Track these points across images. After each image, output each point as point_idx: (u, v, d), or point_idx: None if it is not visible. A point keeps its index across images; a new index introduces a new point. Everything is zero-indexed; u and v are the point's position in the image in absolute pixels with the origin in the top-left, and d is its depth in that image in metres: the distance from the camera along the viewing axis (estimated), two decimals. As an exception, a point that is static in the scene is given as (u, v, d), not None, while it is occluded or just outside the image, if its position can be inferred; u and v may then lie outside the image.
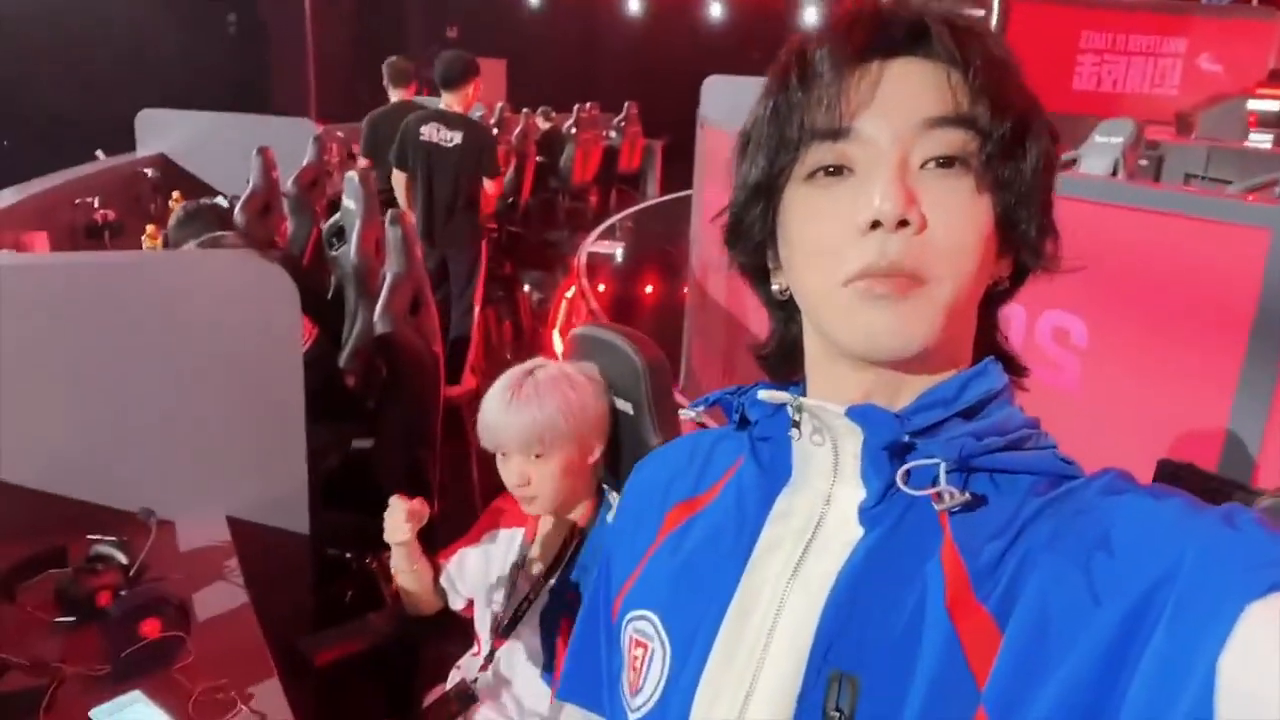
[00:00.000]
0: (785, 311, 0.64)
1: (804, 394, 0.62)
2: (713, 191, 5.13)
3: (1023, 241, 0.57)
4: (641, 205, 8.74)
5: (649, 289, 5.42)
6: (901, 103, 0.53)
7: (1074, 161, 4.51)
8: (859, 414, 0.55)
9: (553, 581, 1.37)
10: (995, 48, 0.54)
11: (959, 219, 0.53)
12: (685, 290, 5.31)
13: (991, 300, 0.59)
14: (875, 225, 0.52)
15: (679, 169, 8.21)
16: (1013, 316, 3.11)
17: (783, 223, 0.59)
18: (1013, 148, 0.54)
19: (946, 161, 0.53)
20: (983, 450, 0.53)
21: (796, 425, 0.60)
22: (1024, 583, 0.48)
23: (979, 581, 0.50)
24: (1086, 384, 2.64)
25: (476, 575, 1.50)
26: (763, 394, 0.62)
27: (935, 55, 0.54)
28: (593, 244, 6.29)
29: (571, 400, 1.34)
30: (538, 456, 1.33)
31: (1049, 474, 0.54)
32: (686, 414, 0.68)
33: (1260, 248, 2.22)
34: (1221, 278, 2.33)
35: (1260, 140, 6.70)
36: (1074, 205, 2.76)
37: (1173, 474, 2.07)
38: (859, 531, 0.56)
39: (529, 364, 1.40)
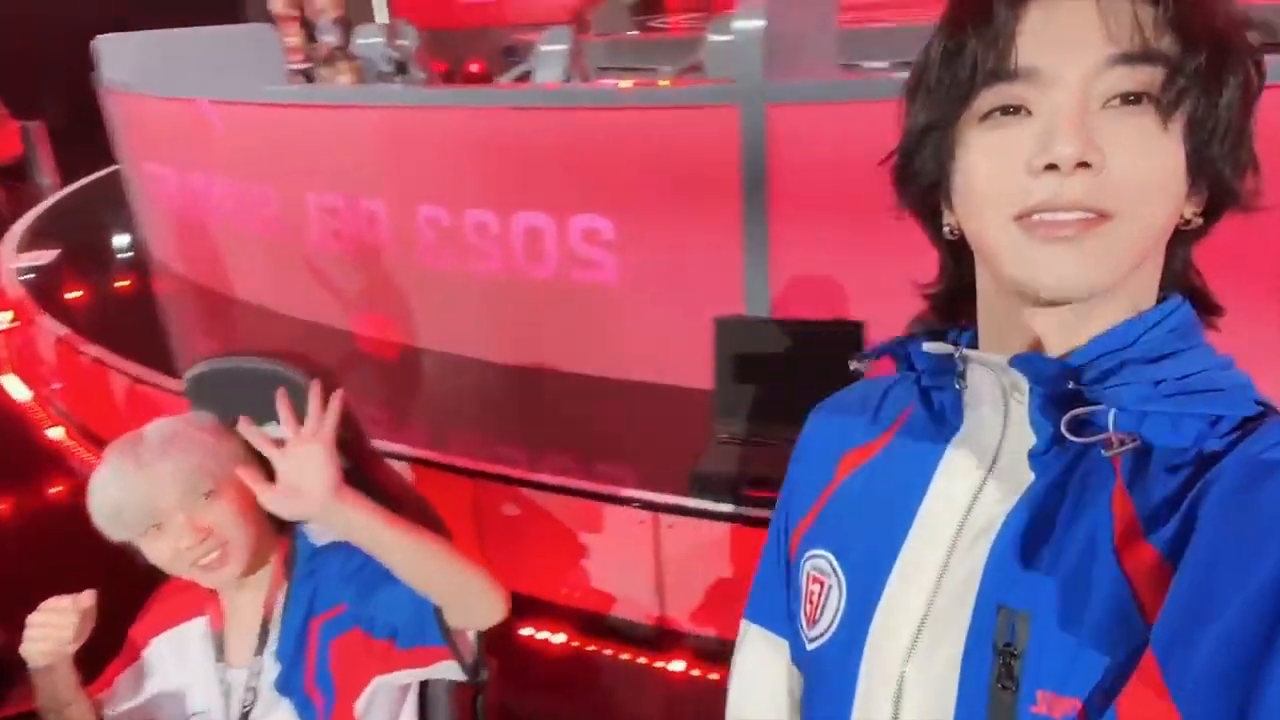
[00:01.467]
0: (955, 253, 0.63)
1: (974, 337, 0.62)
2: (154, 165, 4.41)
3: (1216, 179, 0.54)
4: (55, 198, 7.16)
5: (126, 285, 4.54)
6: (1081, 40, 0.51)
7: (528, 75, 4.73)
8: (1024, 363, 0.55)
9: (272, 649, 1.12)
10: None
11: (1142, 157, 0.51)
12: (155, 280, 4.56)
13: (1183, 239, 0.57)
14: (1051, 168, 0.50)
15: (82, 150, 6.86)
16: (544, 228, 3.20)
17: (956, 162, 0.56)
18: (1206, 81, 0.51)
19: (1131, 98, 0.51)
20: (1157, 395, 0.52)
21: (962, 375, 0.60)
22: (1196, 524, 0.48)
23: (1149, 523, 0.51)
24: (623, 275, 2.88)
25: (159, 695, 1.17)
26: (927, 345, 0.61)
27: None
28: (12, 261, 4.99)
29: (207, 436, 1.12)
30: (209, 495, 1.09)
31: (1233, 415, 0.52)
32: (856, 365, 0.68)
33: (732, 124, 2.58)
34: (708, 155, 2.66)
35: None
36: (553, 115, 2.93)
37: (730, 327, 2.37)
38: (1030, 476, 0.57)
39: (126, 435, 1.09)
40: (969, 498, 0.59)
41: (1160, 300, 0.57)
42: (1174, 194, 0.53)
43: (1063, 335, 0.56)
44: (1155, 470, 0.52)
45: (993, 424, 0.59)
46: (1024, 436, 0.57)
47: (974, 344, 0.63)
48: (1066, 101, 0.51)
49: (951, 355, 0.60)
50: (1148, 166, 0.51)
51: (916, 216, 0.64)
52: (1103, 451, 0.53)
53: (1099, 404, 0.53)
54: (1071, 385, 0.54)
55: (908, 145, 0.60)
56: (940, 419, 0.63)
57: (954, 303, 0.66)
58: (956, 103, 0.55)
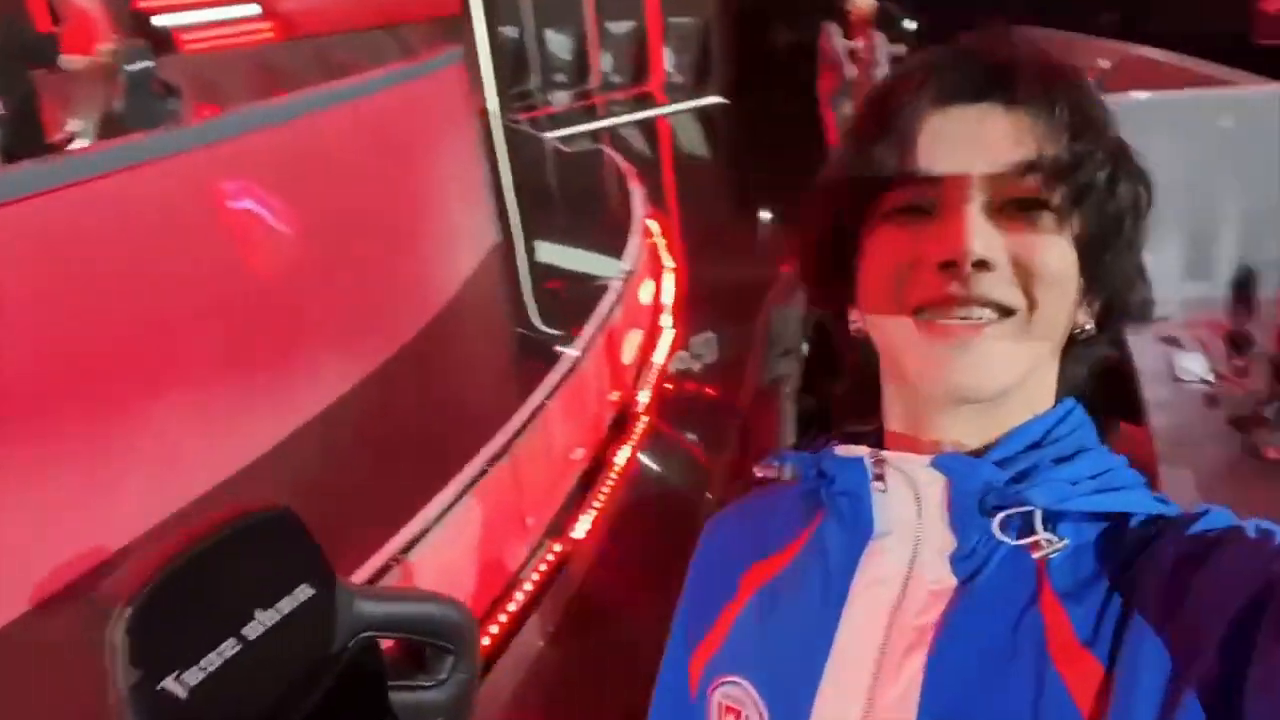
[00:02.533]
0: (862, 351, 0.62)
1: (881, 436, 0.61)
2: None
3: (1109, 288, 0.56)
4: None
5: None
6: (982, 146, 0.53)
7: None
8: (946, 464, 0.54)
9: None
10: (1083, 89, 0.55)
11: (1039, 255, 0.53)
12: None
13: (1077, 347, 0.58)
14: (950, 265, 0.52)
15: None
16: None
17: (861, 260, 0.58)
18: (1099, 192, 0.53)
19: (1028, 204, 0.53)
20: (1074, 494, 0.52)
21: (879, 478, 0.57)
22: (1128, 624, 0.49)
23: (1081, 626, 0.50)
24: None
25: None
26: (840, 450, 0.59)
27: (1019, 100, 0.53)
28: None
29: None
30: None
31: (1144, 513, 0.53)
32: (762, 472, 0.65)
33: None
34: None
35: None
36: None
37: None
38: (953, 580, 0.55)
39: None
40: (890, 608, 0.56)
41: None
42: (1070, 295, 0.54)
43: (969, 433, 0.56)
44: (1079, 569, 0.52)
45: (908, 526, 0.57)
46: (942, 538, 0.56)
47: (879, 444, 0.61)
48: (965, 203, 0.52)
49: (862, 459, 0.58)
50: (1045, 264, 0.52)
51: (827, 316, 0.65)
52: (1031, 554, 0.53)
53: (1022, 504, 0.52)
54: (993, 485, 0.53)
55: (815, 245, 0.61)
56: (853, 525, 0.60)
57: (862, 403, 0.65)
58: (860, 203, 0.57)
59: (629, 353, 4.38)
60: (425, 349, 4.20)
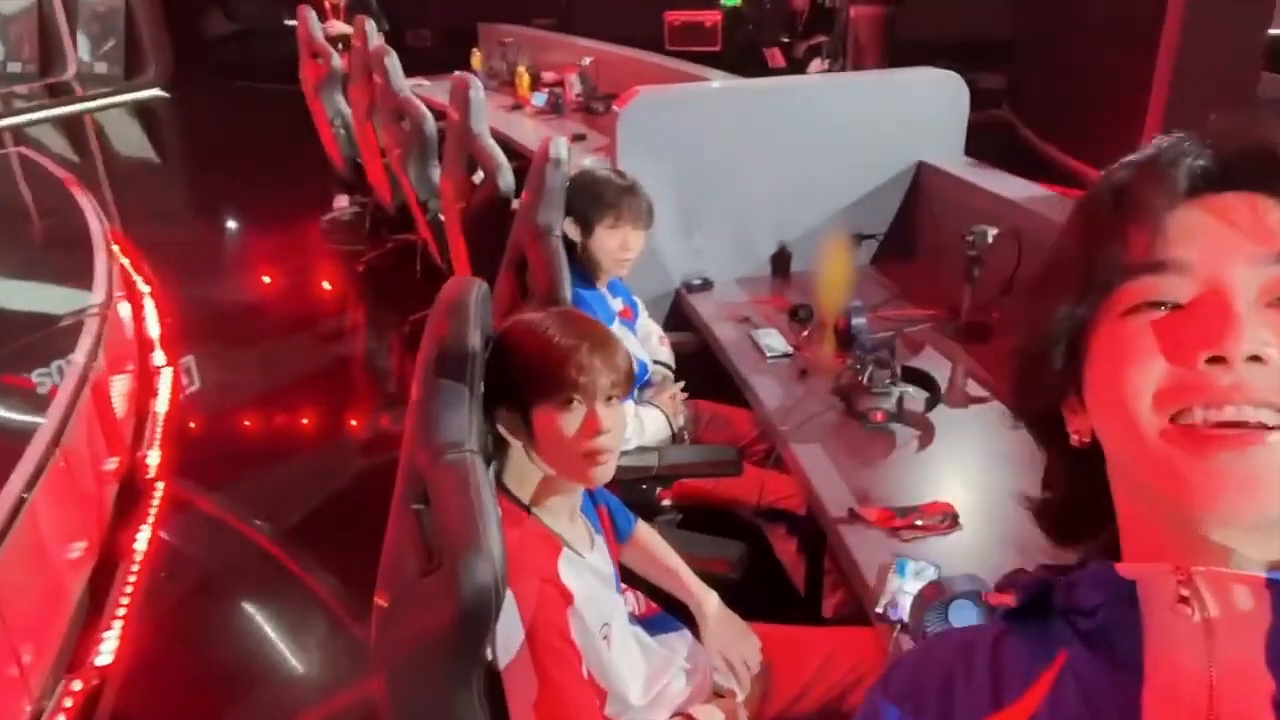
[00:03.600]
0: (1082, 463, 0.56)
1: (1114, 559, 0.53)
2: None
3: None
4: None
5: None
6: (1246, 234, 0.48)
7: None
8: None
9: None
10: None
11: None
12: None
13: None
14: (1218, 360, 0.46)
15: None
16: None
17: (1092, 363, 0.53)
18: None
19: None
20: None
21: (1183, 600, 0.48)
22: None
23: None
24: None
25: None
26: (1125, 568, 0.51)
27: (1273, 189, 0.49)
28: None
29: None
30: None
31: None
32: (999, 602, 0.57)
33: None
34: None
35: None
36: None
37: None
38: None
39: None
40: None
41: None
42: None
43: (1251, 555, 0.48)
44: None
45: (1196, 660, 0.48)
46: (1249, 683, 0.46)
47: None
48: (1231, 293, 0.47)
49: (1148, 576, 0.49)
50: None
51: (1032, 426, 0.59)
52: None
53: None
54: None
55: (1037, 344, 0.55)
56: (1113, 661, 0.50)
57: (1077, 522, 0.59)
58: (1095, 297, 0.51)
59: (121, 405, 3.48)
60: None
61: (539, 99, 5.12)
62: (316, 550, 2.85)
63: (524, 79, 5.42)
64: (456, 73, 3.44)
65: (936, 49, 5.63)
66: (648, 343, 2.34)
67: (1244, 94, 5.63)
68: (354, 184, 5.31)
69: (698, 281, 2.72)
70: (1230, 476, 0.45)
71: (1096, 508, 0.56)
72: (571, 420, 1.31)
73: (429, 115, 3.68)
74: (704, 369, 2.36)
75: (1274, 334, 0.46)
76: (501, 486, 1.33)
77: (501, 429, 1.32)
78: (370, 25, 4.61)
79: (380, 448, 3.46)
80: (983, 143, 2.78)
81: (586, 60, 5.09)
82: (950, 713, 0.56)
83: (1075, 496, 0.59)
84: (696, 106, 2.71)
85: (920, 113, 2.77)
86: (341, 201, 5.78)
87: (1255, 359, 0.45)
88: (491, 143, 3.01)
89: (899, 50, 7.62)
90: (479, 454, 1.22)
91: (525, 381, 1.31)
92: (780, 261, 2.76)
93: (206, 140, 8.98)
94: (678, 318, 2.73)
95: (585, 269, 2.15)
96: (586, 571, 1.35)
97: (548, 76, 5.36)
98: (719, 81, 3.39)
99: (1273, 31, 5.74)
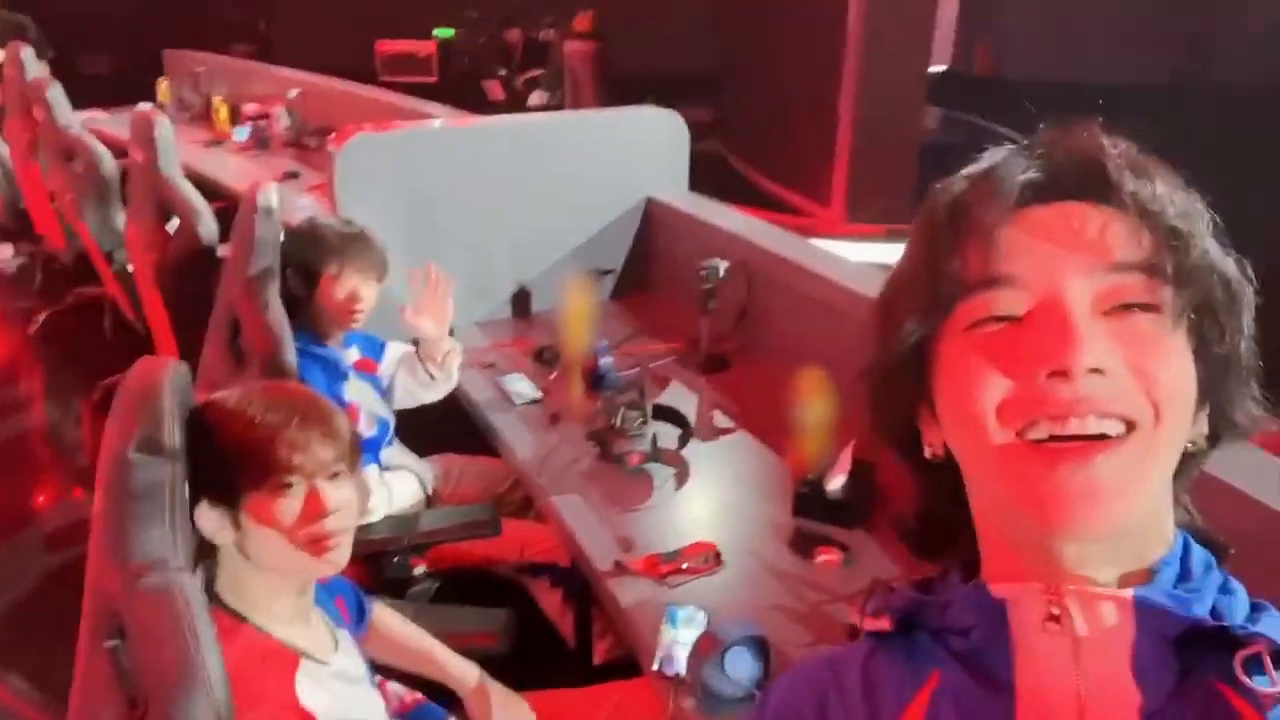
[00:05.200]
0: (939, 477, 0.55)
1: (969, 575, 0.54)
2: None
3: (1227, 404, 0.51)
4: None
5: None
6: (1080, 245, 0.48)
7: None
8: (1150, 600, 0.47)
9: None
10: (1185, 194, 0.50)
11: (1159, 357, 0.47)
12: None
13: (1183, 462, 0.50)
14: (1059, 374, 0.45)
15: None
16: None
17: (940, 375, 0.52)
18: (1210, 302, 0.48)
19: (1133, 307, 0.47)
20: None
21: (1054, 619, 0.48)
22: None
23: None
24: None
25: None
26: (997, 588, 0.51)
27: (1112, 200, 0.48)
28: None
29: None
30: None
31: None
32: (868, 626, 0.56)
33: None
34: None
35: None
36: None
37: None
38: None
39: None
40: None
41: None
42: (1191, 408, 0.49)
43: (1103, 570, 0.49)
44: None
45: (1063, 677, 0.49)
46: (1114, 693, 0.48)
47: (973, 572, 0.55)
48: (1069, 305, 0.47)
49: (1021, 595, 0.49)
50: (1167, 371, 0.47)
51: (889, 442, 0.59)
52: (1229, 699, 0.46)
53: (1250, 642, 0.46)
54: (1214, 624, 0.47)
55: (884, 367, 0.55)
56: (987, 687, 0.50)
57: (938, 538, 0.59)
58: (939, 316, 0.51)
59: None
60: None
61: (241, 133, 4.71)
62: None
63: (222, 112, 4.96)
64: (140, 106, 3.05)
65: (647, 82, 5.86)
66: (414, 372, 2.14)
67: (913, 123, 6.39)
68: (18, 232, 4.58)
69: (434, 328, 2.58)
70: (1077, 489, 0.45)
71: (956, 519, 0.56)
72: (291, 506, 1.14)
73: (106, 154, 3.23)
74: (450, 420, 2.23)
75: (1111, 344, 0.46)
76: (214, 598, 1.13)
77: (205, 530, 1.12)
78: (27, 52, 4.00)
79: (75, 534, 2.97)
80: (697, 174, 2.89)
81: (294, 92, 4.75)
82: None
83: (934, 509, 0.59)
84: (420, 146, 2.58)
85: (644, 150, 2.82)
86: (4, 252, 4.97)
87: (1096, 370, 0.45)
88: (186, 185, 2.69)
89: (612, 84, 7.89)
90: (187, 570, 1.02)
91: (230, 470, 1.12)
92: (520, 302, 2.69)
93: None
94: (416, 367, 2.57)
95: (311, 325, 1.95)
96: (332, 680, 1.19)
97: (250, 109, 4.94)
98: (441, 121, 3.27)
99: (932, 69, 6.55)
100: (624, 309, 2.78)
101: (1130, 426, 0.46)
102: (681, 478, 1.88)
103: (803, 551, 1.64)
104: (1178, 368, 0.48)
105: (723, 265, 2.27)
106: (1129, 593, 0.48)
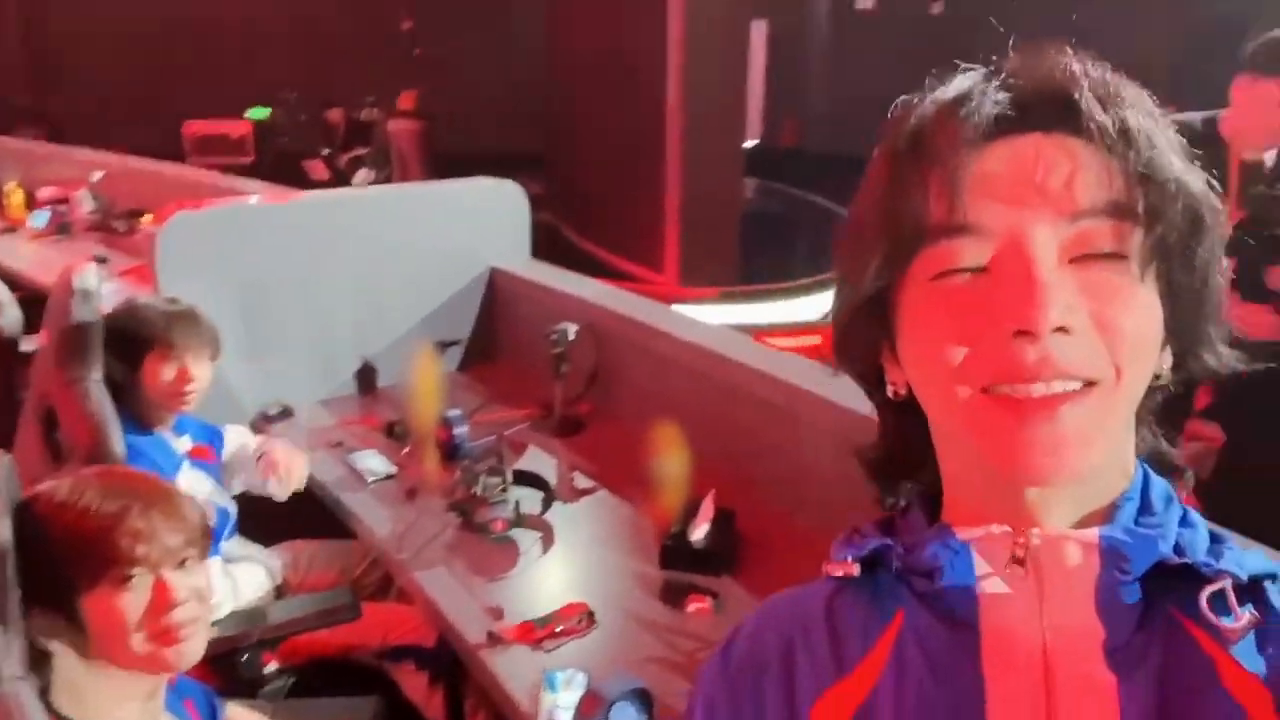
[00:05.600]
0: (903, 412, 0.55)
1: (937, 511, 0.55)
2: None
3: (1195, 344, 0.51)
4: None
5: None
6: (1048, 187, 0.46)
7: None
8: (1115, 540, 0.48)
9: None
10: (1156, 117, 0.48)
11: (1126, 317, 0.46)
12: None
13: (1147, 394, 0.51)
14: (1024, 334, 0.45)
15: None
16: None
17: (902, 326, 0.51)
18: (1185, 240, 0.47)
19: (1105, 255, 0.46)
20: (1259, 557, 0.49)
21: (1019, 561, 0.50)
22: None
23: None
24: None
25: None
26: (963, 530, 0.51)
27: (1082, 132, 0.46)
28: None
29: None
30: None
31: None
32: (840, 571, 0.55)
33: None
34: None
35: None
36: None
37: None
38: (1110, 677, 0.47)
39: None
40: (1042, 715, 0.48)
41: None
42: (1155, 356, 0.49)
43: (1065, 512, 0.50)
44: (1263, 642, 0.48)
45: (1028, 619, 0.49)
46: (1081, 634, 0.49)
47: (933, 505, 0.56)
48: (1033, 259, 0.45)
49: (986, 537, 0.51)
50: (1132, 326, 0.47)
51: (857, 379, 0.58)
52: (1220, 633, 0.47)
53: (1216, 579, 0.48)
54: (1179, 561, 0.48)
55: (845, 310, 0.54)
56: (952, 628, 0.51)
57: (903, 471, 0.58)
58: (900, 263, 0.49)
59: None
60: None
61: (39, 219, 4.37)
62: None
63: (15, 197, 4.59)
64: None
65: (474, 161, 5.91)
66: (244, 464, 2.01)
67: (734, 193, 6.75)
68: None
69: (275, 410, 2.46)
70: (1043, 441, 0.45)
71: (919, 455, 0.55)
72: (136, 600, 1.06)
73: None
74: (298, 504, 2.12)
75: (1077, 297, 0.45)
76: (50, 710, 1.02)
77: (39, 637, 1.02)
78: None
79: None
80: (533, 245, 2.93)
81: (98, 174, 4.47)
82: (792, 676, 0.55)
83: (901, 445, 0.58)
84: (248, 222, 2.49)
85: (485, 219, 2.84)
86: None
87: (1061, 329, 0.45)
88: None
89: (438, 161, 7.88)
90: (27, 679, 0.93)
91: (64, 567, 1.03)
92: (366, 378, 2.62)
93: None
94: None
95: (138, 412, 1.81)
96: (190, 791, 1.09)
97: (47, 193, 4.60)
98: (260, 196, 3.16)
99: (747, 143, 6.96)
100: (473, 379, 2.75)
101: (1095, 383, 0.46)
102: (547, 540, 1.87)
103: (673, 602, 1.65)
104: (1144, 319, 0.47)
105: (572, 328, 2.31)
106: (1094, 533, 0.49)
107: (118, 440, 1.64)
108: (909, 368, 0.52)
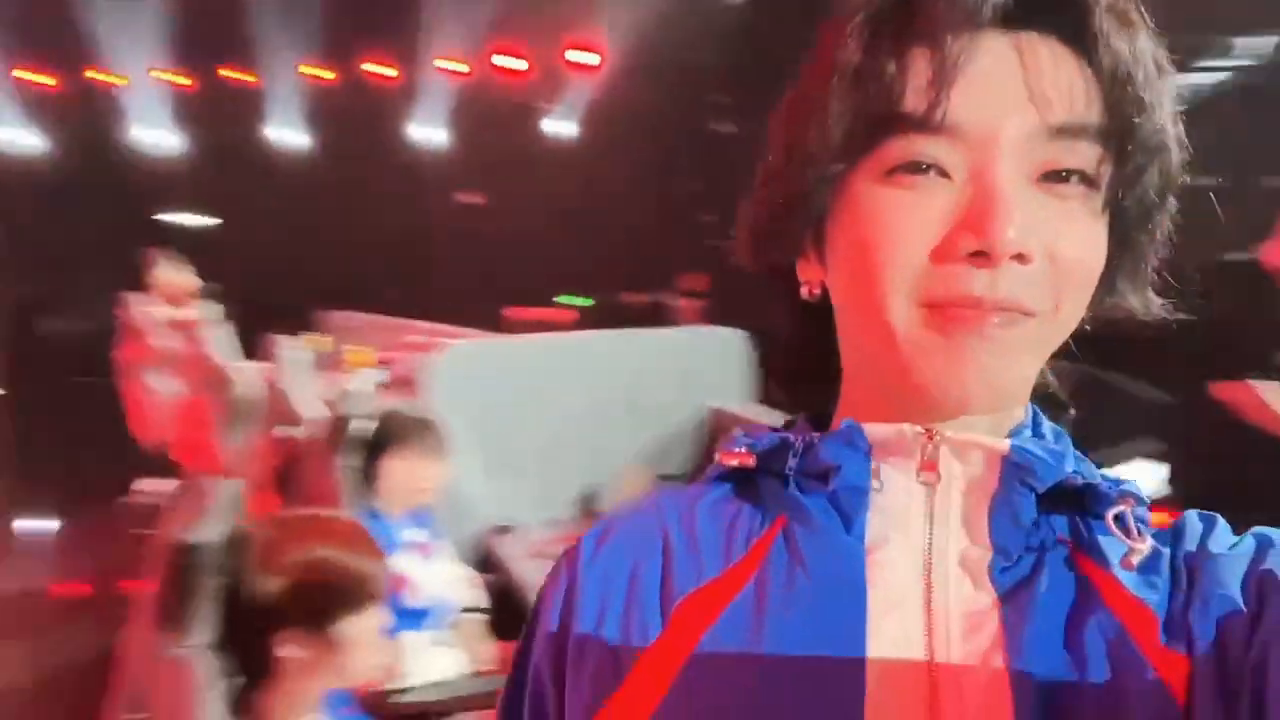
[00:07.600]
0: (811, 316, 0.52)
1: (826, 420, 0.52)
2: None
3: (1127, 289, 0.49)
4: None
5: None
6: (1024, 96, 0.42)
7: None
8: (1025, 454, 0.45)
9: None
10: (1161, 62, 0.44)
11: (1078, 250, 0.44)
12: None
13: None
14: (979, 255, 0.42)
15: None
16: None
17: (839, 219, 0.47)
18: (1149, 172, 0.44)
19: (1071, 176, 0.43)
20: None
21: (929, 467, 0.47)
22: (1200, 615, 0.44)
23: (1166, 622, 0.44)
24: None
25: None
26: (873, 428, 0.47)
27: (1074, 37, 0.43)
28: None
29: None
30: None
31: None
32: (732, 461, 0.52)
33: None
34: None
35: None
36: None
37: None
38: (993, 595, 0.45)
39: None
40: (924, 643, 0.45)
41: None
42: (1091, 292, 0.46)
43: (974, 429, 0.47)
44: (1144, 566, 0.46)
45: (916, 532, 0.47)
46: (963, 547, 0.47)
47: (823, 426, 0.52)
48: (1000, 171, 0.42)
49: (895, 437, 0.47)
50: (1082, 260, 0.44)
51: (766, 271, 0.53)
52: (1126, 557, 0.45)
53: (1122, 500, 0.45)
54: (1082, 481, 0.46)
55: (782, 190, 0.48)
56: (837, 532, 0.48)
57: (808, 376, 0.55)
58: (856, 149, 0.44)
59: None
60: None
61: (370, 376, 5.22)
62: None
63: (355, 356, 5.55)
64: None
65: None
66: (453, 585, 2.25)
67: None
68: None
69: (501, 524, 2.72)
70: (974, 361, 0.43)
71: (825, 358, 0.52)
72: None
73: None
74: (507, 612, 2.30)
75: (1039, 217, 0.42)
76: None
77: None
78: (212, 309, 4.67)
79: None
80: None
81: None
82: (669, 570, 0.50)
83: (804, 347, 0.55)
84: (498, 357, 2.88)
85: (707, 364, 3.07)
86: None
87: (1020, 257, 0.42)
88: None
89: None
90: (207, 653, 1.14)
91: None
92: (588, 504, 2.82)
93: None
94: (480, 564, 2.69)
95: (377, 500, 2.13)
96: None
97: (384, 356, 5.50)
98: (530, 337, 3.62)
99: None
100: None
101: (1033, 314, 0.44)
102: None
103: None
104: (1095, 256, 0.45)
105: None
106: (1006, 443, 0.46)
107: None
108: (837, 267, 0.48)
